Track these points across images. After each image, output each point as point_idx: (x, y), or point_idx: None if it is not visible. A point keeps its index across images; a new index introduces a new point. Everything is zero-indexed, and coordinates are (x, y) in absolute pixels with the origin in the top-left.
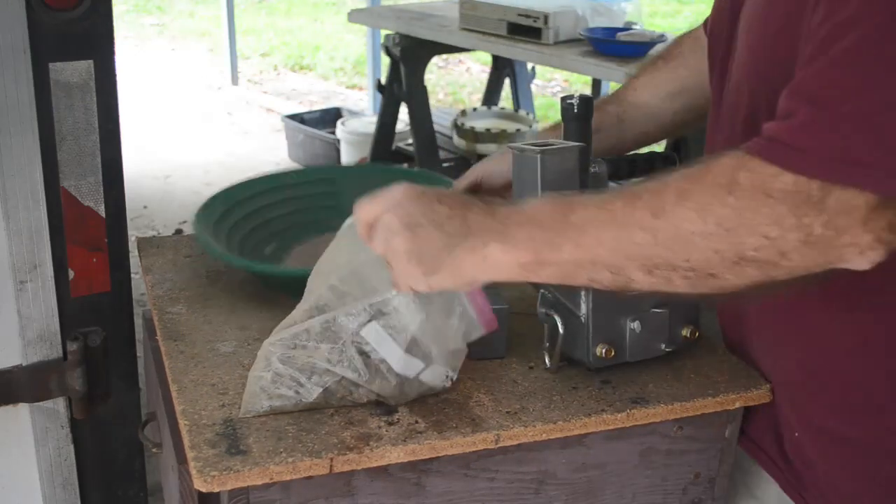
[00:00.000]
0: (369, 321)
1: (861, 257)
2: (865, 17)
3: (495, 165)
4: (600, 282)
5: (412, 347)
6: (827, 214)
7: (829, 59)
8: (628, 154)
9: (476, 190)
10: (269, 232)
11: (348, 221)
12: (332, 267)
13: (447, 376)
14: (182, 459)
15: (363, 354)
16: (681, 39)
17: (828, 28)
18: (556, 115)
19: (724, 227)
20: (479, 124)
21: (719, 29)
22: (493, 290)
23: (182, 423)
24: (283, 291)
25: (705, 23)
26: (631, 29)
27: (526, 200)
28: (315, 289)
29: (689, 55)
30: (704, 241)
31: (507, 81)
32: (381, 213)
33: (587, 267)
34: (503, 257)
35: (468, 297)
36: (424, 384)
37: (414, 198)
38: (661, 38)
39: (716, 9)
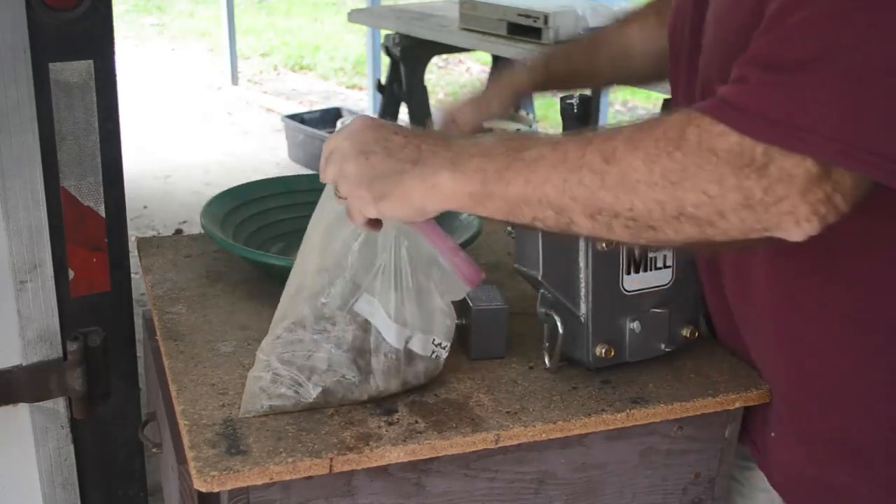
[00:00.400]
0: (359, 297)
1: (797, 228)
2: None
3: (468, 105)
4: (543, 221)
5: (397, 317)
6: (767, 180)
7: (784, 29)
8: None
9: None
10: (276, 233)
11: (324, 194)
12: (311, 247)
13: (434, 342)
14: (182, 459)
15: (362, 330)
16: None
17: (781, 2)
18: (556, 115)
19: (669, 180)
20: None
21: (681, 23)
22: (492, 291)
23: (182, 423)
24: (285, 286)
25: None
26: None
27: (482, 136)
28: (299, 272)
29: None
30: (648, 192)
31: None
32: (338, 141)
33: (533, 204)
34: (452, 185)
35: (445, 256)
36: (415, 357)
37: (370, 127)
38: None
39: (677, 6)
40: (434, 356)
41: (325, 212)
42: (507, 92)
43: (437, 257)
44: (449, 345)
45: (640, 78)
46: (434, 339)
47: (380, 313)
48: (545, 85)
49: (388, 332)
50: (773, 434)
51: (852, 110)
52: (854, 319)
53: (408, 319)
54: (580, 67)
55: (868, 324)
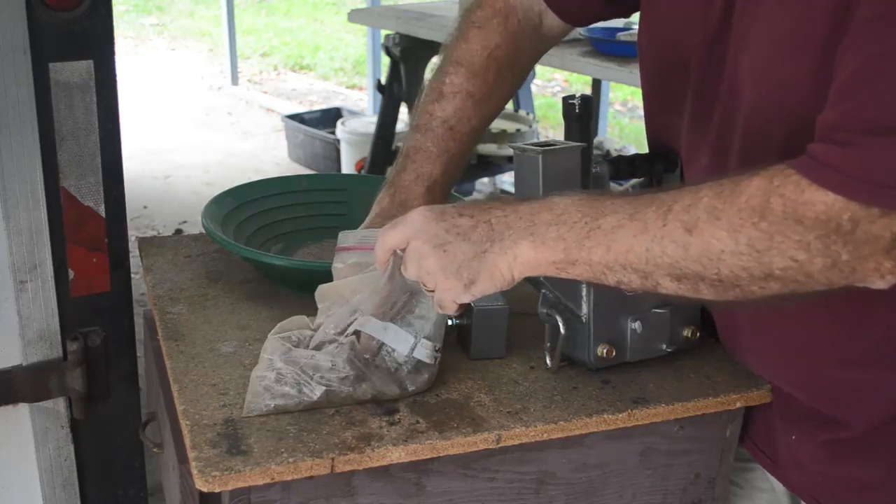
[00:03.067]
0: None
1: (881, 281)
2: None
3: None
4: (629, 284)
5: (402, 322)
6: (854, 244)
7: (870, 91)
8: (629, 155)
9: None
10: (276, 232)
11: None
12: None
13: (437, 349)
14: (183, 459)
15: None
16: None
17: (863, 59)
18: (556, 116)
19: (755, 249)
20: None
21: (689, 46)
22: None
23: (183, 423)
24: (285, 286)
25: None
26: (630, 29)
27: (551, 197)
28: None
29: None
30: (734, 259)
31: None
32: (405, 240)
33: (617, 270)
34: (534, 255)
35: None
36: (417, 363)
37: (435, 218)
38: None
39: (671, 21)
40: (436, 362)
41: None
42: None
43: None
44: (441, 346)
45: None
46: (437, 346)
47: (374, 323)
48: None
49: (390, 339)
50: (794, 437)
51: None
52: (863, 320)
53: (414, 326)
54: (458, 170)
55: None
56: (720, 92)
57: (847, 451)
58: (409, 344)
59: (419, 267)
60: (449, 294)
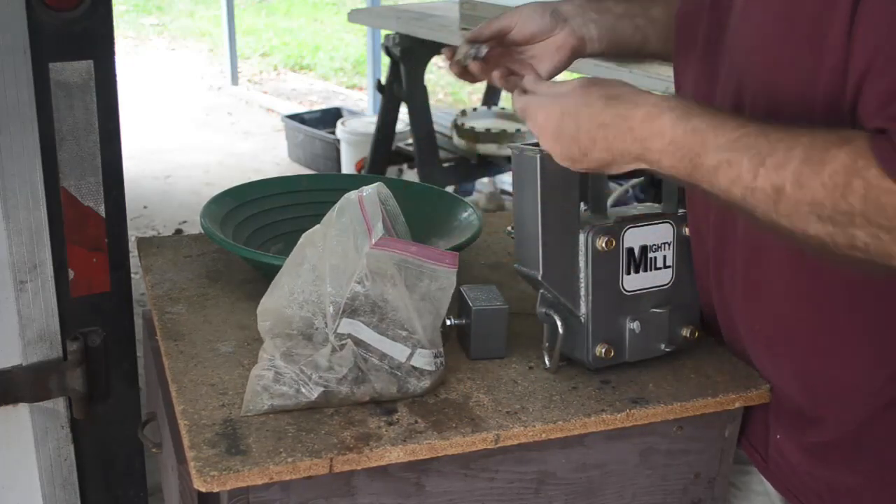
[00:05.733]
0: (341, 319)
1: None
2: None
3: (528, 16)
4: (732, 198)
5: (393, 334)
6: None
7: None
8: None
9: (501, 39)
10: (276, 232)
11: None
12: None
13: (436, 354)
14: (182, 459)
15: (360, 345)
16: None
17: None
18: None
19: (839, 222)
20: (479, 124)
21: (695, 17)
22: (492, 291)
23: (182, 423)
24: None
25: None
26: None
27: (664, 111)
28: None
29: None
30: (819, 226)
31: None
32: (554, 101)
33: (721, 198)
34: (672, 133)
35: (414, 257)
36: (416, 370)
37: (584, 103)
38: None
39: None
40: (440, 367)
41: (337, 228)
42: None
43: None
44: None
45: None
46: (436, 352)
47: (367, 332)
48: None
49: (384, 347)
50: (778, 436)
51: None
52: (881, 327)
53: (406, 335)
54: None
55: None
56: (719, 67)
57: (829, 454)
58: (404, 353)
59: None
60: (560, 156)
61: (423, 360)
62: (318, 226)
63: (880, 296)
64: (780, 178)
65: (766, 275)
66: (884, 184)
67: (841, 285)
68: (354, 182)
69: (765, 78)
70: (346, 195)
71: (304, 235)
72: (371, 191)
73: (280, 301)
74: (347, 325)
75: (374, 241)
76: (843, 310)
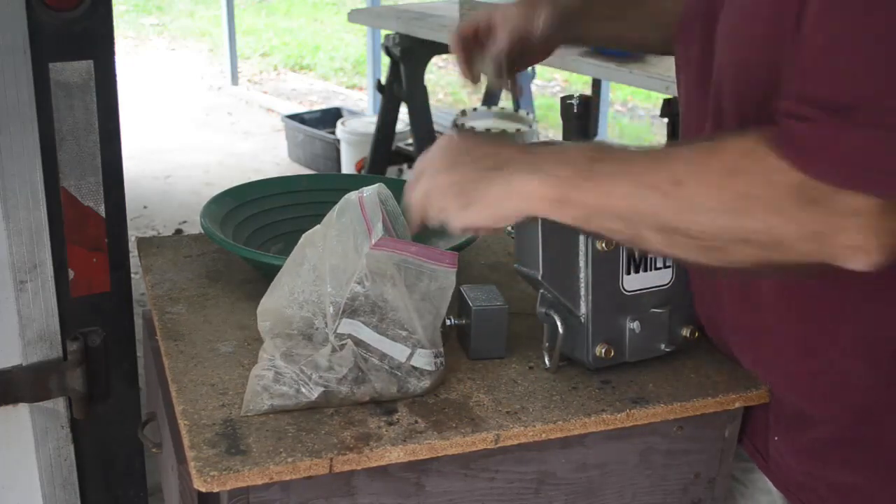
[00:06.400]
0: (341, 319)
1: (858, 259)
2: (866, 26)
3: (514, 12)
4: (615, 232)
5: (393, 334)
6: (828, 215)
7: (844, 67)
8: None
9: (476, 35)
10: (276, 232)
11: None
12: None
13: (436, 354)
14: (182, 459)
15: (360, 345)
16: None
17: (827, 34)
18: (556, 116)
19: (732, 208)
20: (479, 124)
21: (691, 18)
22: (492, 291)
23: (182, 423)
24: None
25: None
26: None
27: (561, 143)
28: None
29: None
30: (713, 217)
31: None
32: (427, 161)
33: (606, 215)
34: (530, 189)
35: (414, 257)
36: (416, 370)
37: (455, 142)
38: None
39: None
40: (440, 367)
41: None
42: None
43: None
44: (442, 352)
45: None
46: (436, 352)
47: (367, 332)
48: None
49: (385, 347)
50: (776, 438)
51: None
52: (870, 329)
53: (406, 335)
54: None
55: (884, 333)
56: (712, 67)
57: (827, 454)
58: (404, 353)
59: (428, 185)
60: (448, 215)
61: (423, 360)
62: (318, 226)
63: (867, 296)
64: (675, 170)
65: (756, 283)
66: (779, 163)
67: (826, 285)
68: (354, 182)
69: (735, 72)
70: (347, 196)
71: (304, 236)
72: (371, 191)
73: (280, 301)
74: (347, 326)
75: (373, 242)
76: (829, 309)
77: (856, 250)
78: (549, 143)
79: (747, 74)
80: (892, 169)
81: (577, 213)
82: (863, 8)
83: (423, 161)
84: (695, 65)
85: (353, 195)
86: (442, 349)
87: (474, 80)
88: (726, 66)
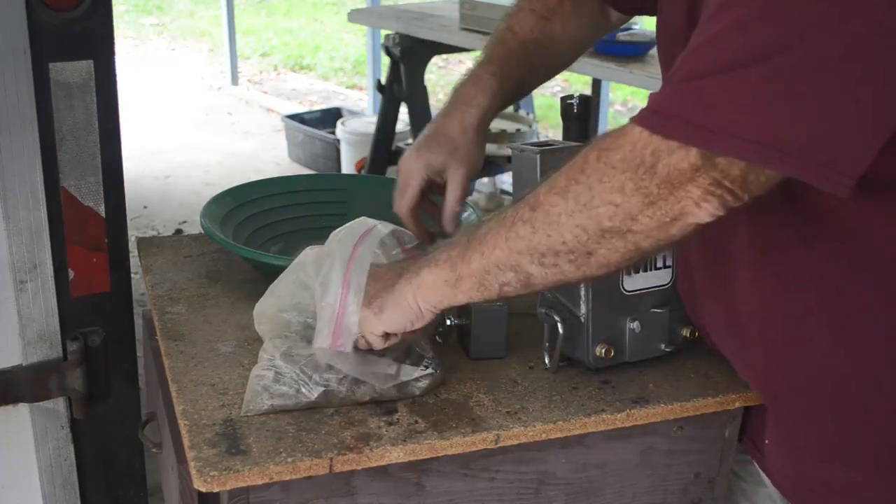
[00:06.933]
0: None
1: (698, 209)
2: (733, 5)
3: (424, 161)
4: (508, 284)
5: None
6: (659, 176)
7: (705, 38)
8: None
9: (430, 190)
10: (276, 232)
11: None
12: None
13: (426, 364)
14: (182, 459)
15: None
16: None
17: (709, 11)
18: (556, 116)
19: (581, 203)
20: None
21: (673, 22)
22: None
23: (182, 423)
24: None
25: None
26: (631, 29)
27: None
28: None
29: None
30: (569, 220)
31: None
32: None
33: (493, 272)
34: (430, 278)
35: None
36: (413, 378)
37: (370, 274)
38: None
39: (667, 18)
40: (437, 372)
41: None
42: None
43: None
44: (432, 354)
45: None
46: (425, 363)
47: (348, 364)
48: (495, 112)
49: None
50: (767, 441)
51: (737, 107)
52: (843, 319)
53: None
54: (518, 85)
55: (858, 322)
56: None
57: (822, 453)
58: (392, 368)
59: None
60: (364, 325)
61: (414, 374)
62: (318, 248)
63: (851, 297)
64: (534, 194)
65: (730, 280)
66: (614, 143)
67: (807, 283)
68: (354, 182)
69: None
70: (361, 222)
71: (305, 252)
72: (376, 235)
73: (277, 305)
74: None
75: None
76: (810, 307)
77: (692, 202)
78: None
79: None
80: (709, 124)
81: (472, 283)
82: None
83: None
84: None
85: (360, 227)
86: (431, 353)
87: (431, 240)
88: None
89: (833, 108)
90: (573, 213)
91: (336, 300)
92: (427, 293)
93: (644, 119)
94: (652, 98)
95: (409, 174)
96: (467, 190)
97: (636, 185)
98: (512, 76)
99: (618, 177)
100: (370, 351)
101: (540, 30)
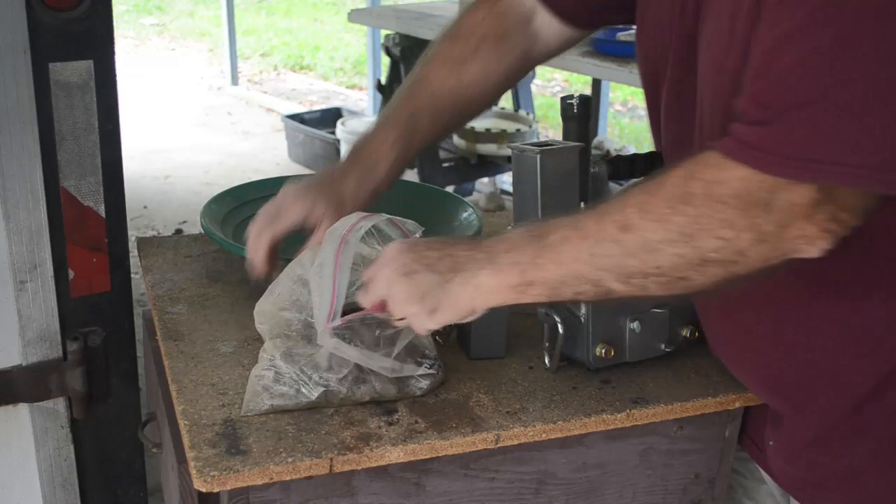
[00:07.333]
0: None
1: (811, 247)
2: (807, 34)
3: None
4: (584, 294)
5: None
6: (774, 213)
7: (780, 70)
8: (628, 154)
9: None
10: None
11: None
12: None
13: (427, 365)
14: (182, 459)
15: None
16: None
17: (770, 41)
18: (556, 116)
19: (684, 234)
20: (479, 124)
21: (664, 48)
22: None
23: (182, 423)
24: None
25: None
26: (630, 29)
27: (505, 232)
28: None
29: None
30: (668, 248)
31: None
32: (379, 269)
33: (570, 283)
34: (493, 282)
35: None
36: (415, 377)
37: (405, 249)
38: None
39: (652, 30)
40: (438, 371)
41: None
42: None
43: None
44: (435, 354)
45: (475, 116)
46: (426, 363)
47: (352, 351)
48: (393, 179)
49: (373, 363)
50: (771, 443)
51: (844, 137)
52: (848, 321)
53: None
54: (424, 142)
55: (861, 325)
56: (696, 90)
57: (822, 449)
58: (395, 365)
59: (387, 293)
60: (414, 320)
61: (413, 371)
62: (312, 250)
63: (840, 295)
64: (624, 214)
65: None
66: (720, 176)
67: (799, 282)
68: None
69: (720, 90)
70: (357, 214)
71: (302, 255)
72: (359, 231)
73: (278, 303)
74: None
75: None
76: (802, 307)
77: (806, 239)
78: (499, 236)
79: (720, 82)
80: (823, 158)
81: (543, 290)
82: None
83: (373, 269)
84: (669, 84)
85: (342, 227)
86: (433, 353)
87: (266, 277)
88: (704, 83)
89: None
90: (673, 242)
91: (329, 283)
92: (489, 297)
93: (749, 157)
94: (744, 133)
95: (290, 207)
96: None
97: (748, 222)
98: (417, 139)
99: (729, 212)
100: (376, 346)
101: (455, 79)
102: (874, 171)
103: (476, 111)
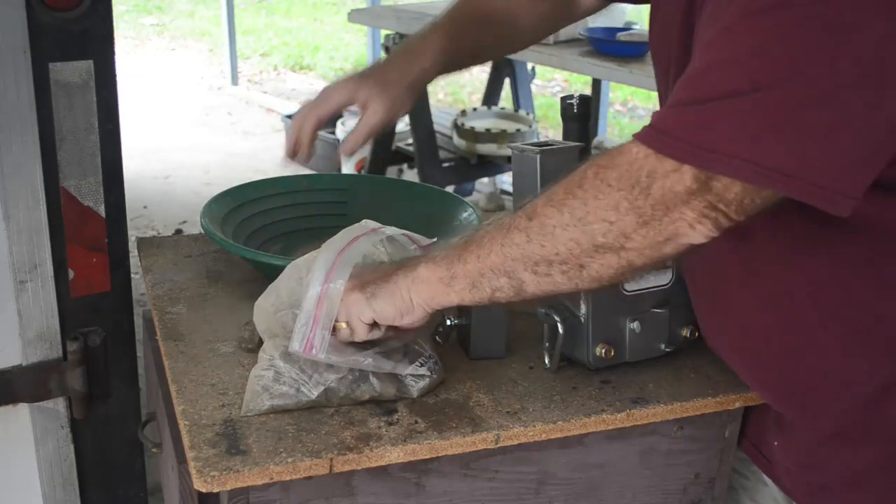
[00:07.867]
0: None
1: (692, 231)
2: (735, 34)
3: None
4: (501, 289)
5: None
6: (654, 198)
7: (707, 63)
8: None
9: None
10: (276, 232)
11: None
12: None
13: (423, 363)
14: (182, 459)
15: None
16: None
17: (711, 34)
18: (556, 116)
19: (576, 217)
20: (479, 124)
21: (668, 35)
22: None
23: (182, 423)
24: None
25: None
26: (631, 29)
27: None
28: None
29: None
30: (563, 233)
31: (507, 81)
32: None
33: (487, 276)
34: (427, 274)
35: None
36: (412, 376)
37: (357, 275)
38: None
39: (662, 15)
40: (436, 370)
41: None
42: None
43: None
44: (431, 353)
45: (523, 46)
46: (422, 361)
47: (343, 352)
48: (441, 72)
49: (365, 364)
50: (776, 443)
51: (741, 133)
52: (847, 323)
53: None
54: (471, 47)
55: (862, 321)
56: None
57: (829, 450)
58: (387, 365)
59: (345, 307)
60: (354, 308)
61: (411, 369)
62: (314, 252)
63: (844, 293)
64: (532, 205)
65: (723, 284)
66: (611, 161)
67: (799, 282)
68: (354, 182)
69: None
70: (361, 225)
71: (303, 258)
72: (374, 237)
73: (276, 303)
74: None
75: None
76: (804, 307)
77: (687, 224)
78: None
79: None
80: (708, 145)
81: (465, 283)
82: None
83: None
84: (673, 77)
85: (349, 234)
86: (431, 353)
87: (305, 159)
88: None
89: (830, 136)
90: (567, 226)
91: (313, 306)
92: (421, 288)
93: (645, 136)
94: (654, 116)
95: (333, 91)
96: (373, 133)
97: (631, 205)
98: (465, 45)
99: (613, 195)
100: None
101: (505, 2)
102: (758, 167)
103: (518, 44)
